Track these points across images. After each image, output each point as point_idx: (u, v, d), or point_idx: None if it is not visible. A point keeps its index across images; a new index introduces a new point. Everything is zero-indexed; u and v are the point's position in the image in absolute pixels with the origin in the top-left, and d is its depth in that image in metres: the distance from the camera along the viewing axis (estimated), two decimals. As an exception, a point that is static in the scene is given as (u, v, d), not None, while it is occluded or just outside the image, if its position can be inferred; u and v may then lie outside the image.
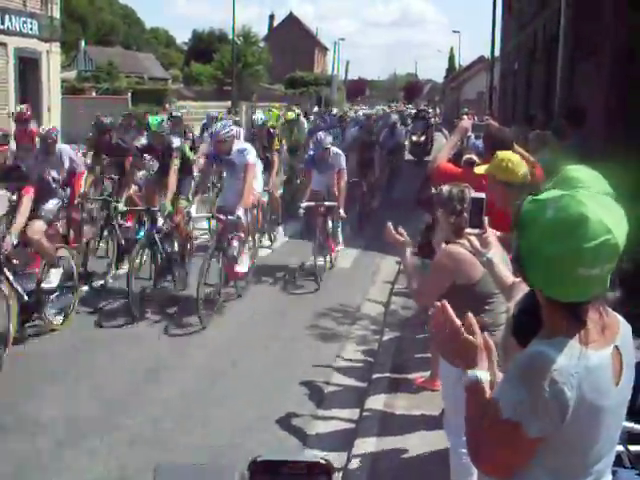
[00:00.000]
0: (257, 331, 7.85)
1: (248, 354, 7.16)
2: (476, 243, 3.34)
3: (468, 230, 3.36)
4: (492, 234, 3.41)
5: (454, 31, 74.66)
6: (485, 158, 5.68)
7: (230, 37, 44.83)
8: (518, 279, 2.95)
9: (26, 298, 6.79)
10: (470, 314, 2.12)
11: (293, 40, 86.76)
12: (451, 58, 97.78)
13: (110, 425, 5.49)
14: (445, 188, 4.07)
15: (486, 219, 3.34)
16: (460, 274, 3.88)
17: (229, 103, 39.45)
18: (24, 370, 6.36)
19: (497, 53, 29.89)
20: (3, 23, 17.12)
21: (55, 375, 6.35)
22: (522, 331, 2.10)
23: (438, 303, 2.15)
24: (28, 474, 4.81)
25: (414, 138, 27.26)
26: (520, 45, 23.95)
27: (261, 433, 5.44)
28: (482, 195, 3.36)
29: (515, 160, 4.67)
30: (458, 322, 2.10)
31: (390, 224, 3.91)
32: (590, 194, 1.93)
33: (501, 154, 4.74)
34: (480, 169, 5.02)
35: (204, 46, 74.50)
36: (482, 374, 2.06)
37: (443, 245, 4.07)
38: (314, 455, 1.72)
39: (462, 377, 2.10)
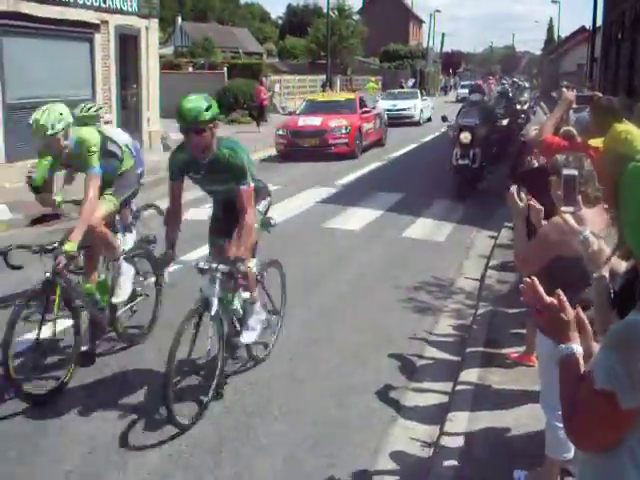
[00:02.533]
0: (352, 302, 7.92)
1: (342, 324, 7.24)
2: (571, 221, 3.25)
3: (563, 208, 3.27)
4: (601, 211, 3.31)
5: (553, 1, 72.50)
6: (592, 131, 5.53)
7: (324, 11, 44.71)
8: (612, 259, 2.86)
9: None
10: (559, 291, 2.11)
11: (388, 12, 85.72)
12: (550, 29, 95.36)
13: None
14: (560, 156, 3.95)
15: (580, 197, 3.25)
16: (566, 246, 3.76)
17: (324, 77, 39.53)
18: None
19: (599, 22, 28.83)
20: (105, 2, 17.54)
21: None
22: (623, 305, 2.06)
23: (528, 279, 2.14)
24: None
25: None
26: (624, 13, 23.08)
27: (354, 404, 5.50)
28: (574, 172, 3.27)
29: (635, 132, 4.53)
30: (548, 298, 2.10)
31: (514, 187, 3.81)
32: None
33: (619, 126, 4.61)
34: (596, 142, 4.88)
35: (298, 20, 74.67)
36: (575, 347, 2.05)
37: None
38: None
39: (555, 352, 2.09)
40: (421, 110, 33.61)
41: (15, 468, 4.58)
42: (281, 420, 5.22)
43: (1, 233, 10.39)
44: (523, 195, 3.82)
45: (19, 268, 5.47)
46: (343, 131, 20.18)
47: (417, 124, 32.43)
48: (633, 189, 1.89)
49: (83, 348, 5.87)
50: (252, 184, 5.31)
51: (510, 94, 21.50)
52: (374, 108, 24.06)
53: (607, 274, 2.72)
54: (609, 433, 1.93)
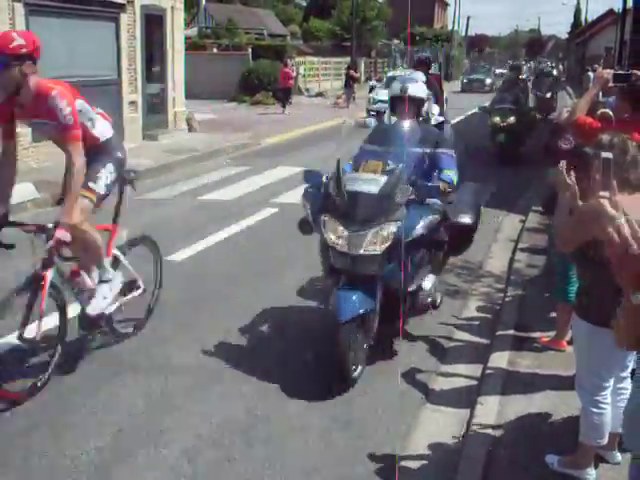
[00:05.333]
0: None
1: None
2: (608, 207, 3.12)
3: (601, 193, 3.15)
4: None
5: (581, -17, 71.31)
6: (624, 114, 5.41)
7: (349, -8, 44.41)
8: None
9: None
10: None
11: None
12: (577, 12, 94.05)
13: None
14: (605, 137, 3.81)
15: (615, 182, 3.14)
16: (601, 230, 3.67)
17: (348, 59, 39.34)
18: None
19: (629, 4, 28.32)
20: (130, -19, 17.49)
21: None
22: None
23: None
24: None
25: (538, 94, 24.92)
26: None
27: (383, 385, 5.47)
28: (610, 155, 3.15)
29: None
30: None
31: (564, 162, 3.71)
32: None
33: None
34: None
35: (322, 2, 74.13)
36: None
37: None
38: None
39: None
40: None
41: (48, 442, 4.60)
42: (313, 402, 5.21)
43: (25, 213, 10.39)
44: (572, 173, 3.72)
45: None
46: None
47: None
48: None
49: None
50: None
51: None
52: None
53: None
54: None
